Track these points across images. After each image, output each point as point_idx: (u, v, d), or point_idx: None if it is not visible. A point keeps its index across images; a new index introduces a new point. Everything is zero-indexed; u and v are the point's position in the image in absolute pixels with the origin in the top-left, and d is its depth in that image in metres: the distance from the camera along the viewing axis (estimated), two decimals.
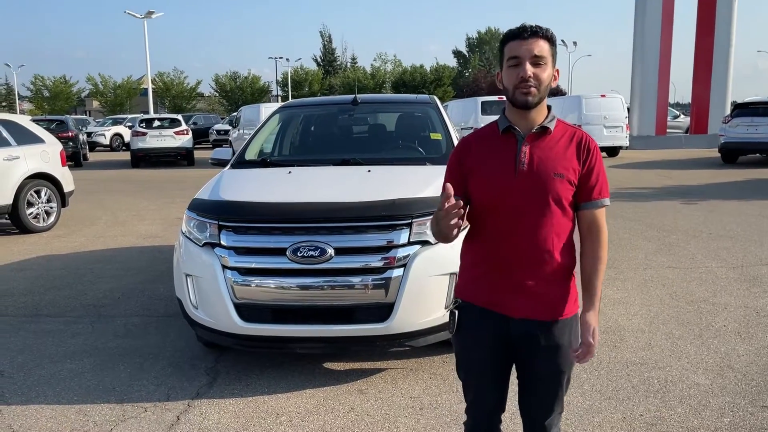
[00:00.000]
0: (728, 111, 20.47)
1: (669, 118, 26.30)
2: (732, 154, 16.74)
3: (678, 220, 8.72)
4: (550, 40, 1.96)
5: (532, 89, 1.91)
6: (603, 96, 20.51)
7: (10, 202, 8.47)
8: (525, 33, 1.92)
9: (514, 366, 2.15)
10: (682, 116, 29.50)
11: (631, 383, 3.62)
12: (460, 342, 2.15)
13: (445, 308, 3.51)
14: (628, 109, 22.96)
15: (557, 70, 2.01)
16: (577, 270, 2.04)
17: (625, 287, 5.54)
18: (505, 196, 1.97)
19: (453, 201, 1.80)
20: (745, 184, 12.76)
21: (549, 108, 2.04)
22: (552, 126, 2.00)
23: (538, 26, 1.95)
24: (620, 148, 20.67)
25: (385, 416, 3.31)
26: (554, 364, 2.05)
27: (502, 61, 1.99)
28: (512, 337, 2.04)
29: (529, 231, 1.96)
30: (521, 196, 1.95)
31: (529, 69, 1.90)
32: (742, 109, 16.52)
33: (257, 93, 60.27)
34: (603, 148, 20.29)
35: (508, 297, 2.01)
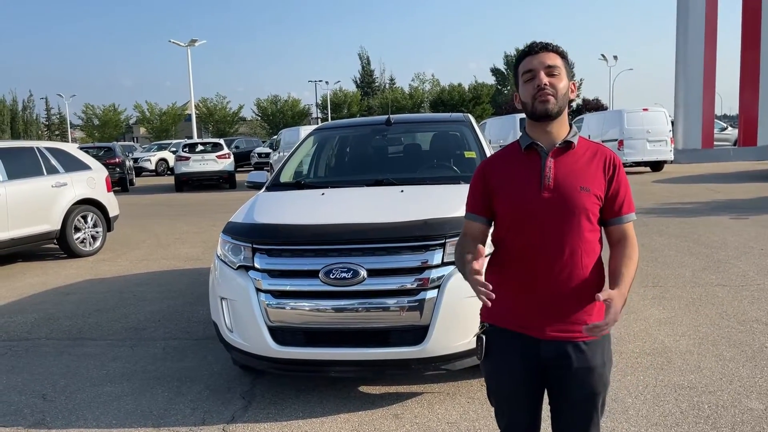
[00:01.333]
0: None
1: (716, 131, 25.52)
2: None
3: (727, 236, 8.39)
4: (561, 54, 1.98)
5: (550, 97, 1.91)
6: (645, 110, 20.12)
7: (59, 227, 8.74)
8: (535, 48, 1.96)
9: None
10: (729, 128, 28.60)
11: (679, 408, 3.46)
12: (490, 367, 2.09)
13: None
14: (672, 123, 22.42)
15: (574, 84, 2.01)
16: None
17: (671, 306, 5.33)
18: (531, 213, 1.93)
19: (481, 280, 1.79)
20: None
21: (571, 125, 2.03)
22: (575, 140, 1.99)
23: (546, 42, 1.98)
24: (665, 162, 20.19)
25: None
26: (588, 386, 1.97)
27: (518, 82, 2.01)
28: (543, 360, 1.97)
29: (556, 247, 1.92)
30: (547, 212, 1.92)
31: (544, 78, 1.92)
32: None
33: (297, 116, 61.32)
34: (647, 163, 19.86)
35: (537, 318, 1.95)
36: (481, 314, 2.13)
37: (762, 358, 4.11)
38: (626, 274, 1.92)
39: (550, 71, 1.92)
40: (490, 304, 1.80)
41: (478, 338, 2.07)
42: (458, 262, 2.06)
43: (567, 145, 1.98)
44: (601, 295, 1.77)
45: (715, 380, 3.80)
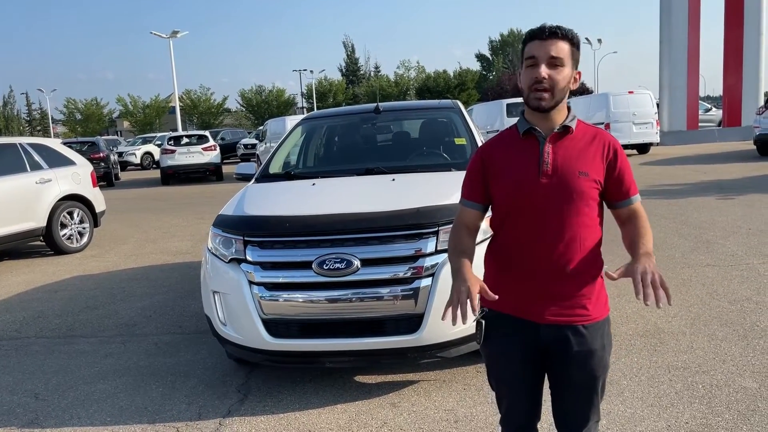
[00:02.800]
0: (762, 102, 19.92)
1: (700, 112, 25.68)
2: None
3: (715, 216, 8.46)
4: (572, 41, 1.92)
5: (545, 93, 1.88)
6: (631, 92, 20.17)
7: (44, 224, 8.62)
8: (544, 33, 1.89)
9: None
10: (714, 109, 28.78)
11: (674, 389, 3.48)
12: (489, 352, 2.09)
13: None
14: (658, 105, 22.52)
15: (578, 73, 1.97)
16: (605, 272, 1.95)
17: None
18: (529, 198, 1.92)
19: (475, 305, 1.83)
20: None
21: (569, 108, 2.00)
22: (573, 125, 1.97)
23: (558, 27, 1.91)
24: (651, 144, 20.29)
25: (419, 430, 3.23)
26: (587, 370, 1.97)
27: (522, 60, 1.96)
28: (542, 344, 1.97)
29: (555, 232, 1.91)
30: (546, 197, 1.91)
31: (545, 70, 1.87)
32: None
33: (283, 106, 60.99)
34: (633, 146, 19.94)
35: (536, 302, 1.95)
36: (480, 299, 2.12)
37: (754, 336, 4.15)
38: (643, 239, 1.90)
39: (553, 62, 1.87)
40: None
41: (478, 323, 2.06)
42: (451, 253, 2.05)
43: (565, 129, 1.95)
44: (613, 275, 1.76)
45: (709, 360, 3.83)
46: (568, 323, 1.94)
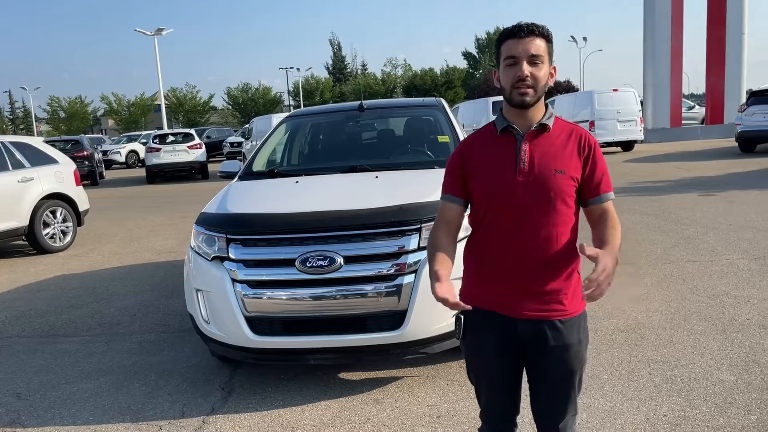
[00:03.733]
0: (744, 99, 20.14)
1: (684, 110, 25.96)
2: (750, 143, 16.42)
3: (696, 213, 8.56)
4: (547, 38, 1.95)
5: (529, 89, 1.91)
6: (615, 90, 20.32)
7: (27, 223, 8.54)
8: (521, 32, 1.91)
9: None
10: (697, 107, 29.10)
11: (653, 382, 3.53)
12: (469, 347, 2.12)
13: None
14: (642, 103, 22.71)
15: (554, 68, 2.00)
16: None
17: (644, 283, 5.42)
18: (507, 196, 1.94)
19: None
20: (765, 173, 12.50)
21: (546, 106, 2.02)
22: (551, 123, 1.99)
23: (534, 24, 1.93)
24: (635, 141, 20.46)
25: (402, 425, 3.25)
26: (564, 364, 2.00)
27: (499, 60, 1.98)
28: (520, 339, 2.00)
29: (532, 229, 1.93)
30: (523, 195, 1.93)
31: (526, 68, 1.90)
32: (758, 97, 16.22)
33: (269, 104, 60.75)
34: (617, 143, 20.11)
35: (514, 298, 1.97)
36: (459, 295, 2.14)
37: (732, 330, 4.21)
38: (613, 237, 1.94)
39: (533, 60, 1.89)
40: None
41: (457, 318, 2.09)
42: (430, 250, 2.06)
43: (542, 127, 1.98)
44: (587, 251, 1.77)
45: (687, 354, 3.89)
46: (545, 318, 1.97)
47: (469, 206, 2.10)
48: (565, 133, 2.00)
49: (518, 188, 1.93)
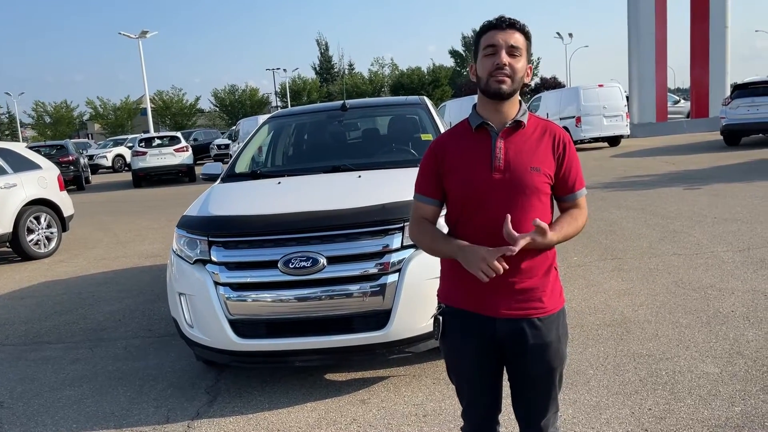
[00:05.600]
0: (728, 93, 20.29)
1: (669, 104, 26.09)
2: (734, 136, 16.55)
3: (682, 206, 8.61)
4: (526, 34, 1.95)
5: (507, 78, 1.90)
6: (601, 86, 20.42)
7: (10, 230, 8.44)
8: (503, 24, 1.92)
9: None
10: (682, 101, 29.24)
11: (638, 376, 3.54)
12: (448, 348, 2.11)
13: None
14: (627, 98, 22.82)
15: (530, 67, 2.00)
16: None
17: (629, 277, 5.44)
18: (482, 193, 1.93)
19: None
20: (749, 165, 12.61)
21: (521, 102, 2.01)
22: (525, 119, 1.98)
23: (514, 19, 1.94)
24: (621, 137, 20.56)
25: (388, 426, 3.24)
26: (544, 362, 2.00)
27: (477, 53, 1.98)
28: (499, 338, 1.99)
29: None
30: (499, 192, 1.92)
31: (505, 57, 1.89)
32: (742, 90, 16.34)
33: (256, 105, 60.56)
34: (604, 138, 20.19)
35: (492, 297, 1.96)
36: (438, 295, 2.13)
37: (716, 323, 4.24)
38: (567, 224, 1.96)
39: (512, 51, 1.89)
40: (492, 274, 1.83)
41: (435, 319, 2.08)
42: (424, 242, 2.05)
43: (517, 124, 1.97)
44: (538, 222, 1.80)
45: (672, 347, 3.90)
46: (524, 316, 1.96)
47: (443, 205, 2.08)
48: (539, 130, 1.99)
49: (494, 185, 1.92)
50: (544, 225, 1.81)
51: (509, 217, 1.82)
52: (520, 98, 2.02)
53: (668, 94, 26.25)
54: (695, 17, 24.25)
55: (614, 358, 3.82)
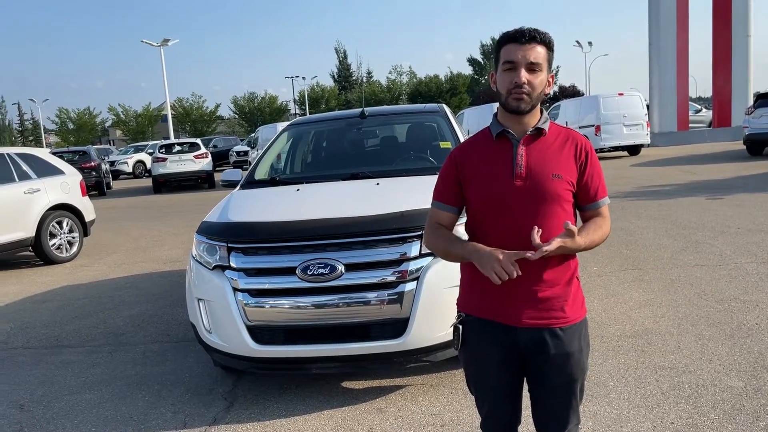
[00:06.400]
0: (751, 102, 20.01)
1: (690, 113, 25.81)
2: (757, 146, 16.28)
3: (704, 217, 8.49)
4: (548, 45, 1.92)
5: (525, 96, 1.88)
6: (621, 94, 20.24)
7: (33, 234, 8.57)
8: (523, 37, 1.88)
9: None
10: (704, 110, 28.92)
11: (660, 389, 3.48)
12: (468, 358, 2.09)
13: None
14: (648, 107, 22.61)
15: (552, 76, 1.98)
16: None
17: (651, 288, 5.37)
18: (504, 202, 1.91)
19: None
20: None
21: (542, 110, 2.00)
22: (546, 127, 1.97)
23: (536, 30, 1.90)
24: (641, 146, 20.35)
25: None
26: (565, 373, 1.97)
27: (497, 63, 1.95)
28: (520, 348, 1.96)
29: (530, 235, 1.88)
30: (521, 201, 1.90)
31: (524, 75, 1.87)
32: (765, 99, 16.11)
33: (275, 113, 60.99)
34: (624, 147, 20.01)
35: (513, 306, 1.94)
36: (457, 304, 2.11)
37: (740, 335, 4.16)
38: (593, 231, 1.93)
39: (531, 67, 1.87)
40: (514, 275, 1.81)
41: (455, 328, 2.06)
42: (439, 246, 2.03)
43: (538, 132, 1.96)
44: (569, 225, 1.79)
45: (695, 360, 3.83)
46: (545, 326, 1.94)
47: (462, 214, 2.07)
48: (561, 138, 1.98)
49: (516, 193, 1.91)
50: (574, 228, 1.80)
51: (537, 229, 1.79)
52: (541, 107, 2.00)
53: (689, 102, 25.96)
54: (717, 25, 24.00)
55: (635, 370, 3.76)
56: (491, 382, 2.05)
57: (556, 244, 1.79)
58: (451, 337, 3.38)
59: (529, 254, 1.80)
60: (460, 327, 2.04)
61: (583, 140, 2.00)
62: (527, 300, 1.93)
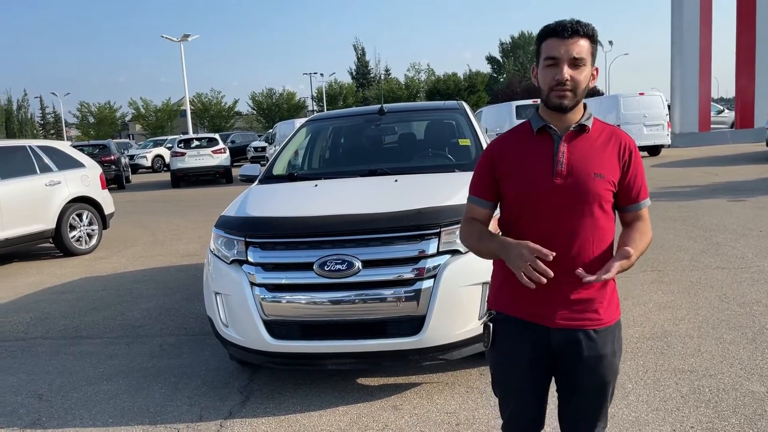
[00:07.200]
0: None
1: (712, 114, 25.44)
2: None
3: (725, 219, 8.36)
4: (591, 38, 1.83)
5: (568, 93, 1.81)
6: (641, 94, 20.02)
7: (53, 226, 8.68)
8: (565, 32, 1.80)
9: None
10: (726, 111, 28.51)
11: (680, 393, 3.43)
12: (497, 357, 2.03)
13: (479, 320, 3.39)
14: (669, 107, 22.33)
15: (596, 69, 1.89)
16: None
17: (671, 290, 5.30)
18: (542, 199, 1.85)
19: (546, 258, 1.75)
20: None
21: (585, 106, 1.92)
22: (590, 124, 1.90)
23: (578, 23, 1.81)
24: (662, 146, 20.12)
25: None
26: (597, 375, 1.92)
27: (538, 58, 1.87)
28: (552, 349, 1.91)
29: (568, 234, 1.84)
30: (559, 198, 1.84)
31: (567, 72, 1.79)
32: None
33: (293, 109, 61.17)
34: (644, 147, 19.79)
35: (547, 306, 1.88)
36: (488, 301, 2.07)
37: (762, 340, 4.08)
38: (640, 241, 1.88)
39: (575, 62, 1.79)
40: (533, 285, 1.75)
41: (485, 326, 2.01)
42: (471, 241, 2.00)
43: (581, 128, 1.88)
44: (628, 250, 1.78)
45: (716, 363, 3.77)
46: (579, 327, 1.89)
47: (497, 209, 2.02)
48: (604, 135, 1.91)
49: (554, 191, 1.84)
50: (632, 250, 1.78)
51: (581, 270, 1.77)
52: (584, 102, 1.92)
53: (712, 103, 25.60)
54: (741, 25, 23.62)
55: (654, 372, 3.71)
56: (519, 382, 2.00)
57: (615, 269, 1.75)
58: (467, 336, 3.40)
59: (548, 255, 1.73)
60: (491, 325, 1.99)
61: (628, 138, 1.92)
62: (561, 300, 1.87)
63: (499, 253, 1.86)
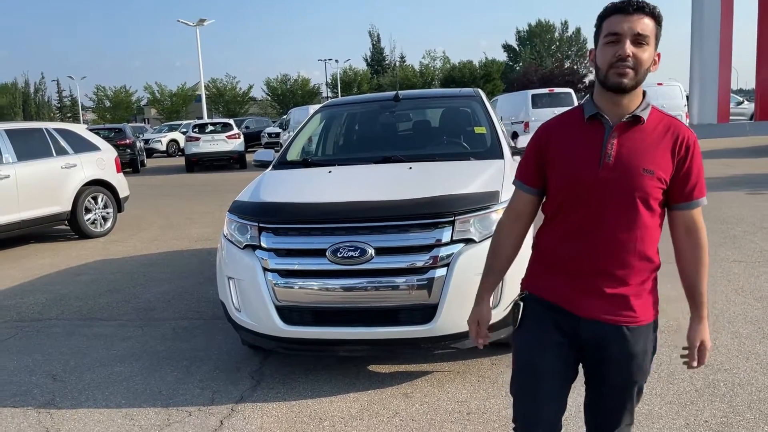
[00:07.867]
0: None
1: (732, 105, 25.08)
2: None
3: (743, 211, 8.25)
4: (657, 18, 1.74)
5: (629, 71, 1.71)
6: (660, 84, 19.72)
7: (69, 208, 8.75)
8: (629, 7, 1.71)
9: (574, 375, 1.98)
10: (746, 102, 28.09)
11: (694, 386, 3.39)
12: (522, 338, 1.95)
13: (492, 309, 3.36)
14: (687, 97, 22.02)
15: (658, 54, 1.78)
16: (662, 275, 1.89)
17: None
18: (586, 190, 1.78)
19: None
20: None
21: (644, 94, 1.82)
22: (645, 115, 1.78)
23: (644, 1, 1.72)
24: None
25: (431, 421, 3.20)
26: (626, 374, 1.87)
27: (597, 38, 1.79)
28: (581, 340, 1.86)
29: (610, 229, 1.78)
30: (604, 192, 1.76)
31: (629, 48, 1.70)
32: None
33: (307, 95, 61.04)
34: None
35: (582, 295, 1.83)
36: (522, 283, 2.02)
37: None
38: (703, 292, 1.89)
39: (638, 39, 1.69)
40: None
41: (515, 305, 1.95)
42: (490, 252, 2.03)
43: (635, 119, 1.77)
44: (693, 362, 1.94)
45: (731, 357, 3.73)
46: (612, 322, 1.81)
47: (543, 196, 1.94)
48: (661, 128, 1.79)
49: (599, 184, 1.76)
50: (703, 295, 1.91)
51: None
52: (644, 90, 1.81)
53: (731, 95, 25.22)
54: (763, 16, 23.19)
55: (668, 365, 3.67)
56: (542, 370, 1.89)
57: (706, 351, 1.94)
58: None
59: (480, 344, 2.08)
60: (521, 303, 1.93)
61: (687, 132, 1.79)
62: (596, 293, 1.81)
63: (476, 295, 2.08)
